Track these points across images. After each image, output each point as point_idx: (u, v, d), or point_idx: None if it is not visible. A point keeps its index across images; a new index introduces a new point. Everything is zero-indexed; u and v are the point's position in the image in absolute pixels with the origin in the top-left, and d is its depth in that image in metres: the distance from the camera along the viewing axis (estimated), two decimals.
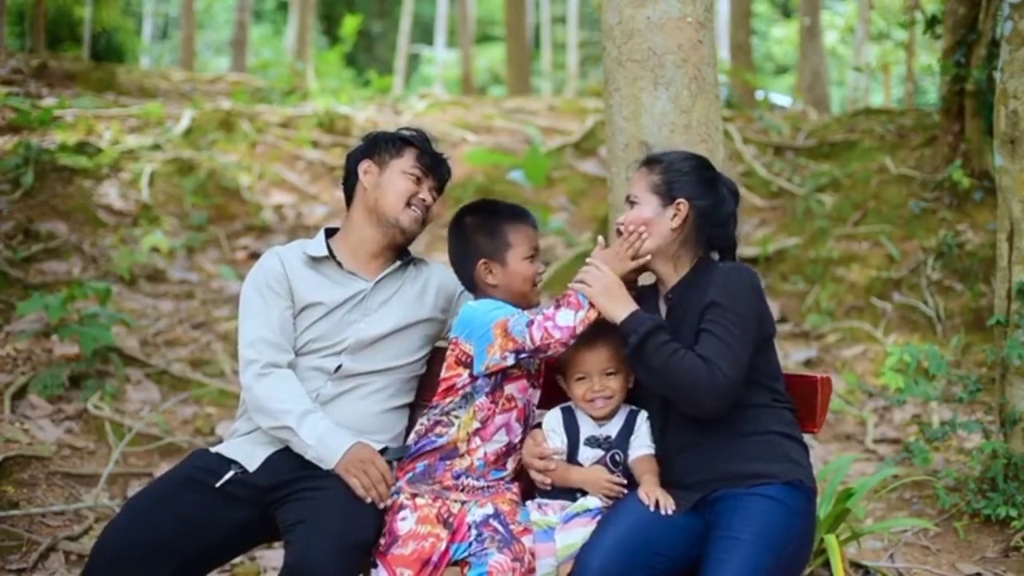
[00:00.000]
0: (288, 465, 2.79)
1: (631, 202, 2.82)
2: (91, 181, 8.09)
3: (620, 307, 2.68)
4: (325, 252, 2.96)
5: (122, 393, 5.46)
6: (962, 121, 7.27)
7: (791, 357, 6.51)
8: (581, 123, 11.14)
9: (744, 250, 7.51)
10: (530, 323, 2.67)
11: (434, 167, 3.03)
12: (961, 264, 6.75)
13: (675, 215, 2.77)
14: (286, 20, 23.56)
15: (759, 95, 13.92)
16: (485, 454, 2.76)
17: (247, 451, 2.84)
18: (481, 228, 2.86)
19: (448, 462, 2.76)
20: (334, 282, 2.95)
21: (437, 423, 2.79)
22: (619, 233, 2.82)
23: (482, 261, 2.83)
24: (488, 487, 2.77)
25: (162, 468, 4.80)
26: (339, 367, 2.89)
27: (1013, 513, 4.03)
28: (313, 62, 16.16)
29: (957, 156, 7.29)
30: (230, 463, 2.82)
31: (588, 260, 2.75)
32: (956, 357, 5.88)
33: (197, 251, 7.95)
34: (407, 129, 3.09)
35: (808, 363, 6.47)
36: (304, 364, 2.90)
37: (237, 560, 3.98)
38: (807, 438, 2.85)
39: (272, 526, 2.79)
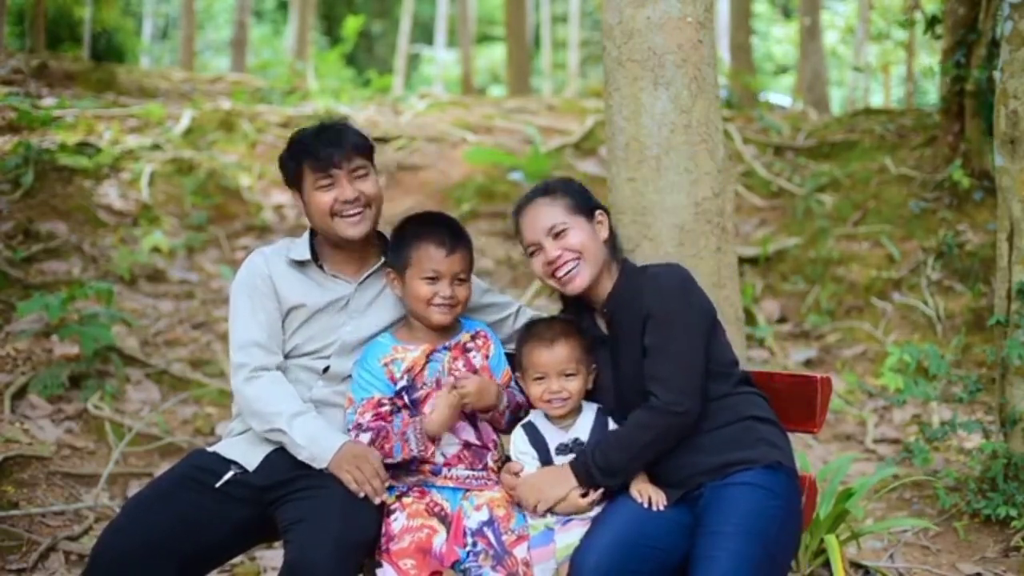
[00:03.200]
0: (286, 464, 2.79)
1: (559, 232, 2.77)
2: (91, 181, 8.09)
3: (563, 480, 2.68)
4: (307, 255, 2.95)
5: (122, 393, 5.46)
6: (962, 121, 7.27)
7: (791, 357, 6.51)
8: (581, 123, 11.14)
9: (744, 250, 7.51)
10: (349, 430, 2.78)
11: (335, 159, 2.86)
12: (961, 264, 6.75)
13: (600, 226, 2.83)
14: (286, 20, 23.55)
15: (759, 95, 13.92)
16: (444, 455, 2.79)
17: (244, 450, 2.85)
18: (395, 237, 2.89)
19: (416, 464, 2.79)
20: (317, 284, 2.94)
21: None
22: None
23: (388, 269, 2.90)
24: (473, 477, 2.79)
25: (162, 468, 4.80)
26: (327, 368, 2.89)
27: (1013, 513, 4.03)
28: (313, 62, 16.16)
29: (957, 156, 7.28)
30: (229, 463, 2.83)
31: (516, 486, 2.72)
32: (956, 357, 5.87)
33: (197, 251, 7.95)
34: (297, 134, 2.96)
35: (808, 363, 6.46)
36: (295, 366, 2.90)
37: (237, 560, 3.98)
38: (807, 438, 2.86)
39: (271, 526, 2.79)
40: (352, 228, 2.89)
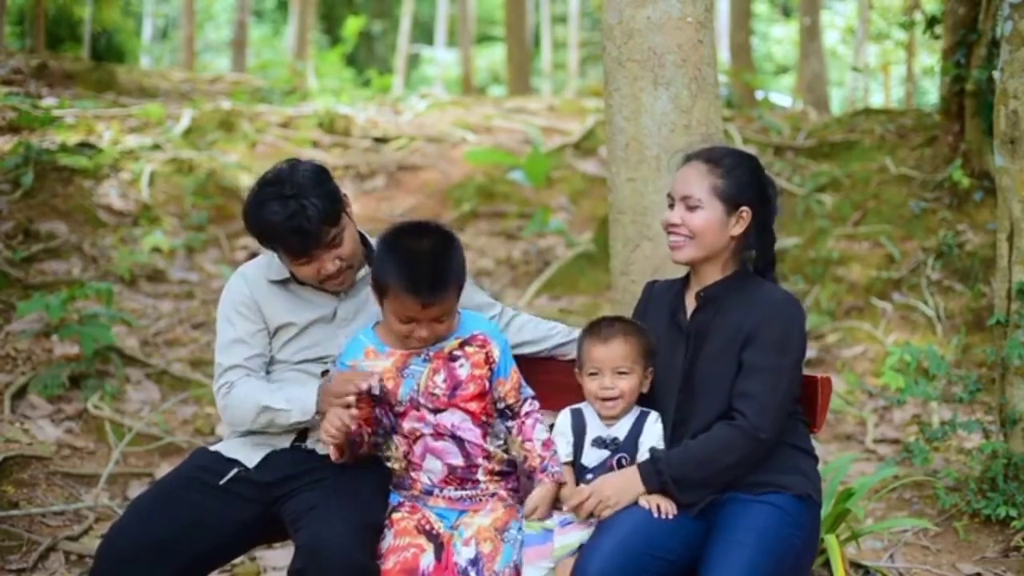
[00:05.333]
0: (288, 461, 2.80)
1: (691, 205, 2.70)
2: (91, 181, 8.09)
3: (633, 485, 2.63)
4: (286, 274, 2.90)
5: (122, 393, 5.46)
6: (962, 121, 7.26)
7: None
8: (581, 123, 11.14)
9: None
10: None
11: (309, 244, 2.73)
12: (961, 264, 6.75)
13: (738, 223, 2.72)
14: (286, 20, 23.55)
15: (759, 95, 13.92)
16: (430, 479, 2.73)
17: (246, 452, 2.85)
18: (379, 252, 2.67)
19: (410, 481, 2.76)
20: (302, 300, 2.91)
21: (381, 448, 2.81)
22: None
23: (372, 279, 2.70)
24: (467, 497, 2.73)
25: (162, 468, 4.80)
26: (326, 371, 2.88)
27: (1013, 513, 4.03)
28: (313, 62, 16.17)
29: (957, 156, 7.28)
30: (231, 462, 2.83)
31: (592, 500, 2.62)
32: (956, 357, 5.87)
33: (197, 251, 7.95)
34: (257, 211, 2.76)
35: (808, 363, 6.46)
36: (291, 371, 2.90)
37: (237, 560, 3.97)
38: None
39: (275, 525, 2.79)
40: (339, 287, 2.88)
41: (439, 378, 2.69)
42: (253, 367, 2.87)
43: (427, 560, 2.61)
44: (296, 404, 2.75)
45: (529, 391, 2.81)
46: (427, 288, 2.57)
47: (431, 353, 2.71)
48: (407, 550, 2.61)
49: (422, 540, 2.64)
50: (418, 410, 2.69)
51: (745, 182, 2.72)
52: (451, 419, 2.70)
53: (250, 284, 2.91)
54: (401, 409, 2.71)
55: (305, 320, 2.89)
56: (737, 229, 2.72)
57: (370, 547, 2.61)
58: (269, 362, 2.91)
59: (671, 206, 2.77)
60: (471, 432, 2.72)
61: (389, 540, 2.64)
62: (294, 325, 2.88)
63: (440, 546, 2.65)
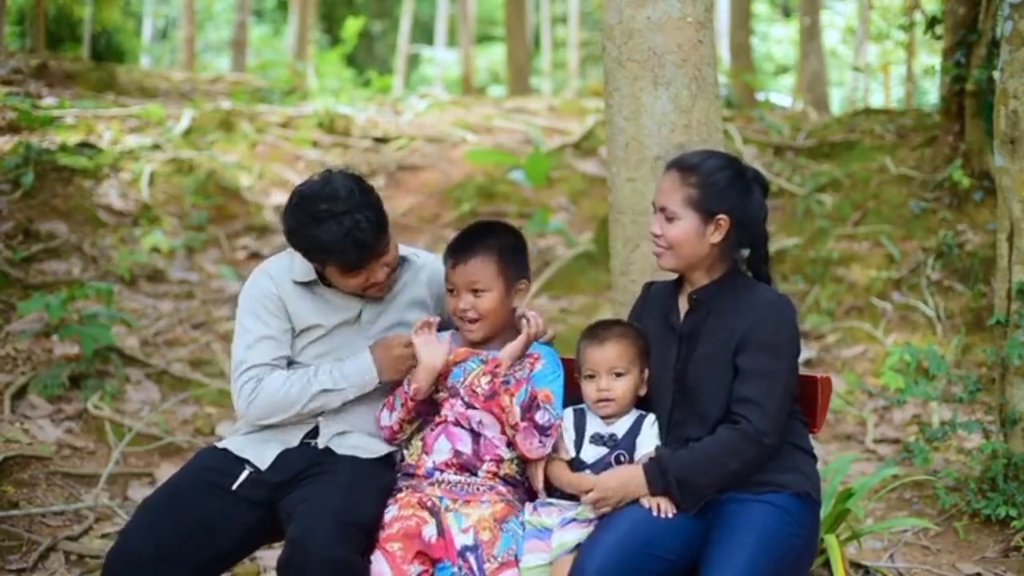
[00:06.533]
0: (299, 460, 2.81)
1: (668, 216, 2.71)
2: (91, 181, 8.09)
3: (636, 484, 2.63)
4: (312, 276, 2.91)
5: (122, 393, 5.46)
6: (962, 121, 7.26)
7: None
8: (581, 123, 11.14)
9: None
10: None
11: (368, 259, 2.77)
12: (961, 264, 6.74)
13: (715, 231, 2.72)
14: (286, 20, 23.54)
15: (759, 95, 13.92)
16: (434, 462, 2.79)
17: (257, 450, 2.84)
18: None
19: (414, 468, 2.83)
20: (327, 303, 2.91)
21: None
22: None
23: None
24: (464, 483, 2.77)
25: (162, 468, 4.80)
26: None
27: (1013, 513, 4.03)
28: (313, 62, 16.17)
29: (957, 156, 7.27)
30: (242, 462, 2.82)
31: (594, 494, 2.65)
32: (956, 357, 5.87)
33: (197, 251, 7.95)
34: (311, 227, 2.76)
35: (808, 363, 6.46)
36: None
37: None
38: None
39: (277, 523, 2.79)
40: (380, 292, 2.90)
41: (484, 380, 2.79)
42: (280, 367, 2.87)
43: (429, 531, 2.67)
44: (350, 380, 2.81)
45: (546, 416, 2.76)
46: (461, 247, 2.79)
47: (489, 356, 2.82)
48: (410, 519, 2.68)
49: (425, 513, 2.70)
50: (453, 399, 2.80)
51: (722, 188, 2.71)
52: (478, 416, 2.79)
53: (276, 283, 2.90)
54: (440, 396, 2.83)
55: (332, 323, 2.89)
56: (716, 237, 2.72)
57: (356, 543, 2.61)
58: (287, 364, 2.91)
59: (655, 213, 2.79)
60: (493, 434, 2.80)
61: (393, 512, 2.71)
62: (321, 327, 2.88)
63: (440, 523, 2.70)
